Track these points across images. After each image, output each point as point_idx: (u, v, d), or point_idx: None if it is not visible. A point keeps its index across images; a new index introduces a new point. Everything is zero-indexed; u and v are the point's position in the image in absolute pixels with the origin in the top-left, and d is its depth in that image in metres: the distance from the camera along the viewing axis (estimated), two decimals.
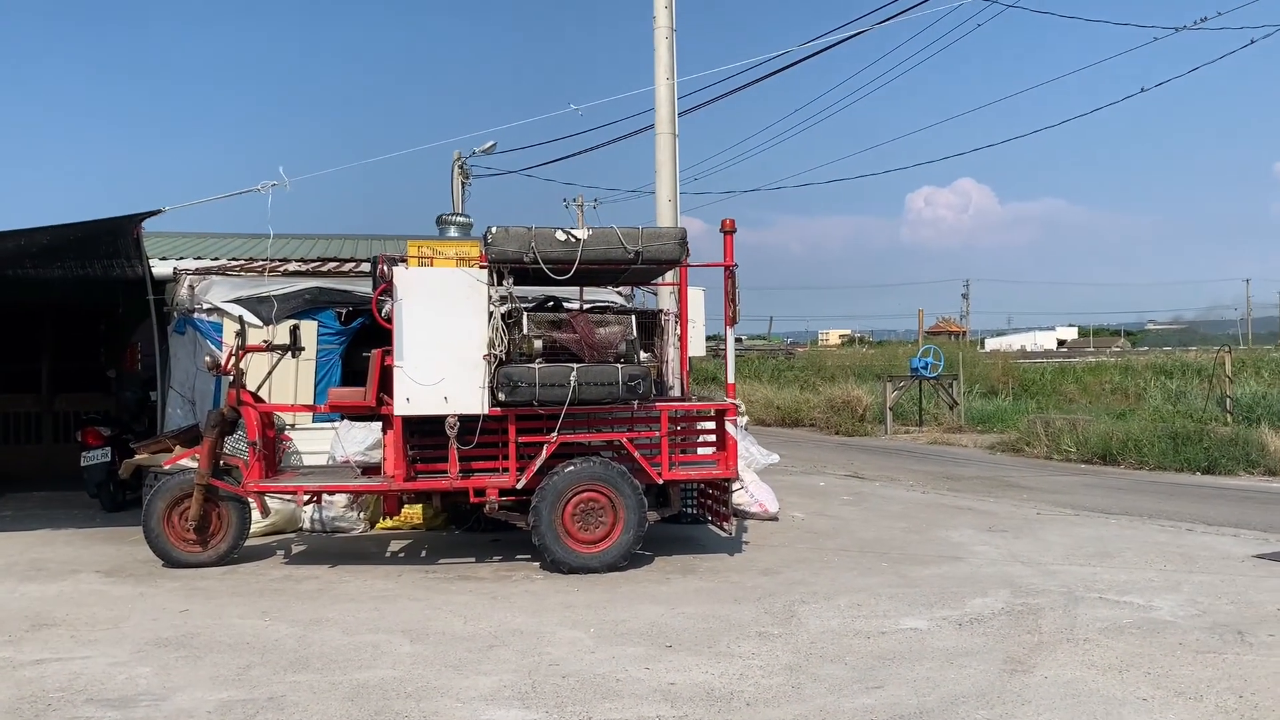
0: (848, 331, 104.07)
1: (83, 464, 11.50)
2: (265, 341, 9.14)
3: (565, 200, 41.56)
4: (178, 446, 9.31)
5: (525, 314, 8.39)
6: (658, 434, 8.61)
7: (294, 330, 9.22)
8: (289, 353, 9.09)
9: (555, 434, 8.26)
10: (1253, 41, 18.42)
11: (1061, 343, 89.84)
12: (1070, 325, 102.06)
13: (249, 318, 10.08)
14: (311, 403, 10.03)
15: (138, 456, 9.59)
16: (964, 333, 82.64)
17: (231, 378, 8.71)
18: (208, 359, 9.09)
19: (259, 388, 8.97)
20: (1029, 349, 72.98)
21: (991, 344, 77.77)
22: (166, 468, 8.95)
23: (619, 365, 8.24)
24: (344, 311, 11.06)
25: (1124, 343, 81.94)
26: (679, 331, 9.91)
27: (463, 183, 27.73)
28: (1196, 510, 11.76)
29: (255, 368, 9.28)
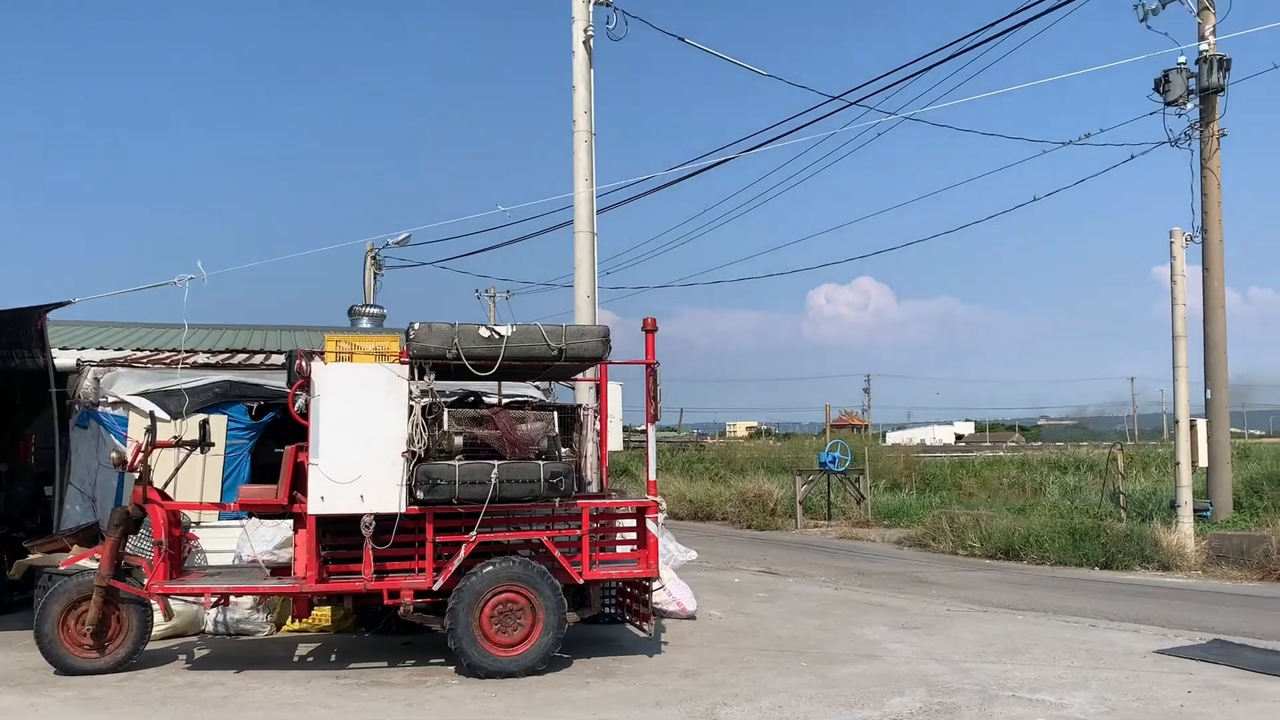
0: (755, 423, 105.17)
1: None
2: (175, 437, 8.90)
3: (478, 291, 41.52)
4: (76, 546, 8.91)
5: (446, 410, 8.34)
6: (578, 532, 8.56)
7: (204, 425, 9.01)
8: (198, 448, 8.85)
9: (474, 533, 8.15)
10: (1132, 156, 19.61)
11: (959, 437, 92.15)
12: (967, 420, 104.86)
13: (159, 412, 9.80)
14: (219, 499, 9.74)
15: (31, 556, 9.13)
16: (866, 426, 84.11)
17: (138, 474, 8.42)
18: (114, 454, 8.78)
19: (166, 484, 8.69)
20: (929, 443, 74.66)
21: (893, 437, 79.36)
22: (63, 568, 8.55)
23: (541, 462, 8.21)
24: (255, 405, 10.84)
25: (1019, 437, 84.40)
26: (598, 427, 9.94)
27: (375, 273, 27.59)
28: (1098, 606, 12.08)
29: (162, 463, 9.00)
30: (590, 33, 13.91)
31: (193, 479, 10.17)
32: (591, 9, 13.95)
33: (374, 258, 27.55)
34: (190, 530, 9.42)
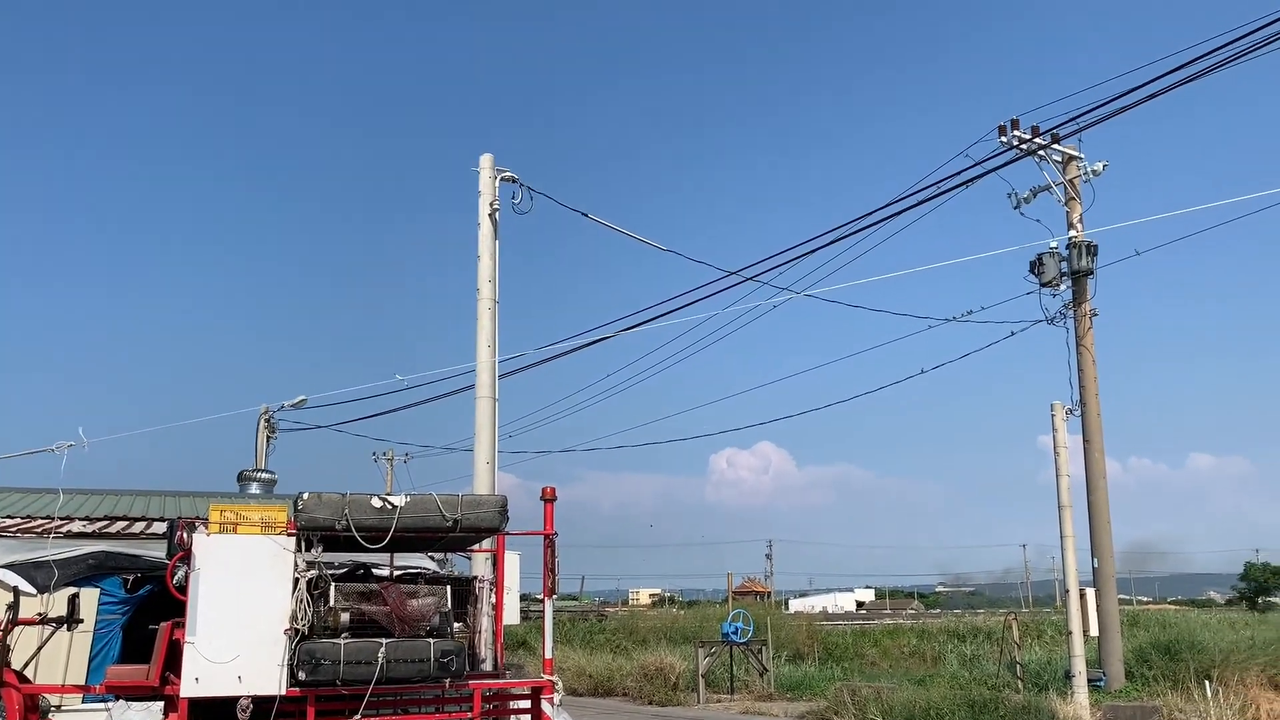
0: (658, 591, 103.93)
1: None
2: (40, 614, 8.36)
3: (375, 455, 40.80)
4: None
5: (333, 584, 8.02)
6: (470, 715, 8.20)
7: (73, 600, 8.50)
8: (64, 625, 8.32)
9: (359, 716, 7.73)
10: (1012, 333, 20.63)
11: (860, 604, 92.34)
12: (868, 586, 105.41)
13: (24, 586, 9.22)
14: (85, 680, 9.12)
15: None
16: (769, 593, 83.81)
17: None
18: None
19: (25, 665, 8.11)
20: (830, 610, 74.58)
21: (795, 605, 79.14)
22: None
23: (431, 640, 7.91)
24: (131, 578, 10.29)
25: (918, 605, 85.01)
26: (494, 600, 9.68)
27: (269, 436, 26.94)
28: None
29: (23, 641, 8.42)
30: (496, 206, 14.31)
31: (57, 658, 9.53)
32: (498, 184, 14.39)
33: (268, 420, 26.96)
34: (50, 715, 8.75)
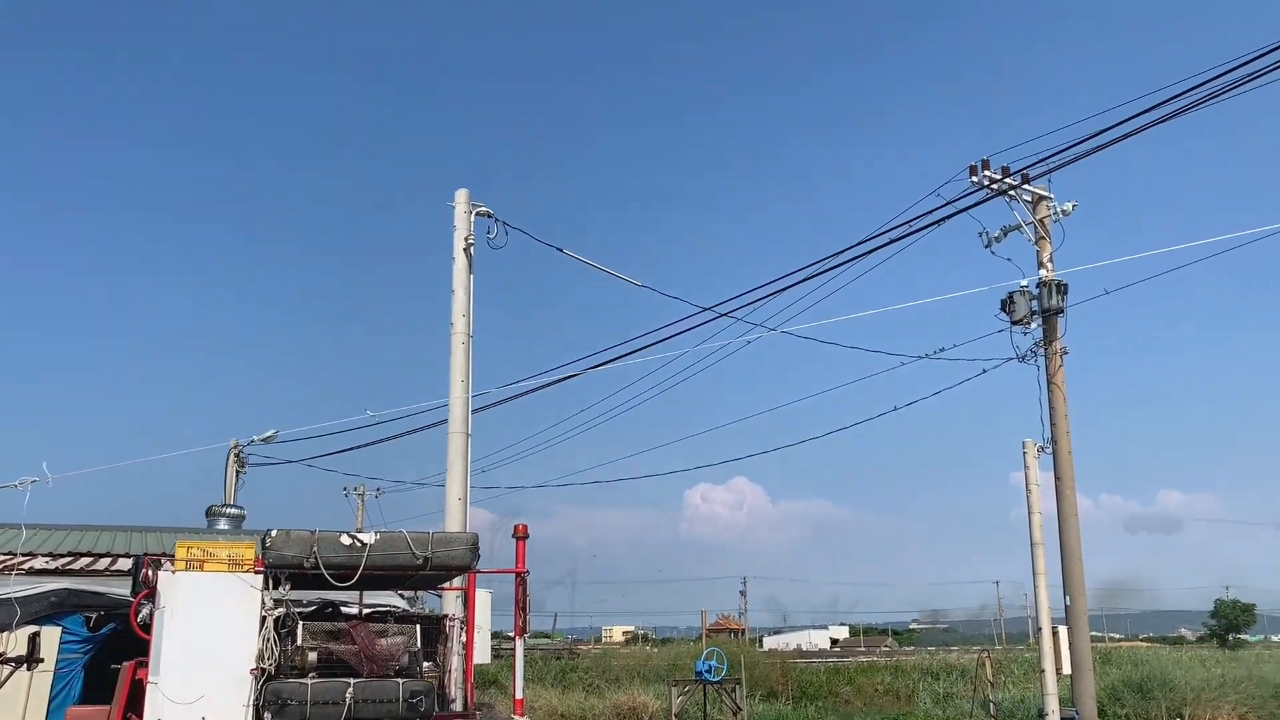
0: (631, 628, 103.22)
1: None
2: None
3: (346, 490, 40.34)
4: None
5: (300, 623, 7.91)
6: None
7: (33, 638, 8.33)
8: (24, 665, 8.14)
9: None
10: (984, 371, 20.69)
11: (835, 641, 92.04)
12: (842, 624, 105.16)
13: None
14: None
15: None
16: (743, 630, 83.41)
17: None
18: None
19: None
20: (805, 648, 74.31)
21: (769, 642, 78.78)
22: None
23: (400, 680, 7.81)
24: (94, 616, 10.10)
25: (892, 642, 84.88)
26: (464, 638, 9.57)
27: (238, 471, 26.62)
28: None
29: None
30: (471, 240, 14.29)
31: (16, 698, 9.31)
32: (473, 219, 14.39)
33: (237, 455, 26.64)
34: None
